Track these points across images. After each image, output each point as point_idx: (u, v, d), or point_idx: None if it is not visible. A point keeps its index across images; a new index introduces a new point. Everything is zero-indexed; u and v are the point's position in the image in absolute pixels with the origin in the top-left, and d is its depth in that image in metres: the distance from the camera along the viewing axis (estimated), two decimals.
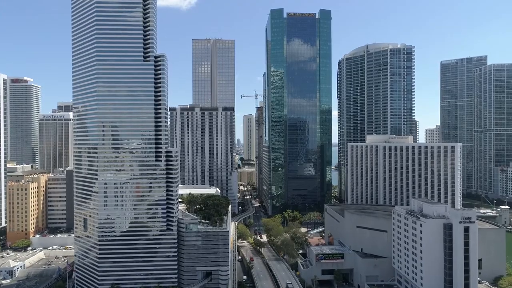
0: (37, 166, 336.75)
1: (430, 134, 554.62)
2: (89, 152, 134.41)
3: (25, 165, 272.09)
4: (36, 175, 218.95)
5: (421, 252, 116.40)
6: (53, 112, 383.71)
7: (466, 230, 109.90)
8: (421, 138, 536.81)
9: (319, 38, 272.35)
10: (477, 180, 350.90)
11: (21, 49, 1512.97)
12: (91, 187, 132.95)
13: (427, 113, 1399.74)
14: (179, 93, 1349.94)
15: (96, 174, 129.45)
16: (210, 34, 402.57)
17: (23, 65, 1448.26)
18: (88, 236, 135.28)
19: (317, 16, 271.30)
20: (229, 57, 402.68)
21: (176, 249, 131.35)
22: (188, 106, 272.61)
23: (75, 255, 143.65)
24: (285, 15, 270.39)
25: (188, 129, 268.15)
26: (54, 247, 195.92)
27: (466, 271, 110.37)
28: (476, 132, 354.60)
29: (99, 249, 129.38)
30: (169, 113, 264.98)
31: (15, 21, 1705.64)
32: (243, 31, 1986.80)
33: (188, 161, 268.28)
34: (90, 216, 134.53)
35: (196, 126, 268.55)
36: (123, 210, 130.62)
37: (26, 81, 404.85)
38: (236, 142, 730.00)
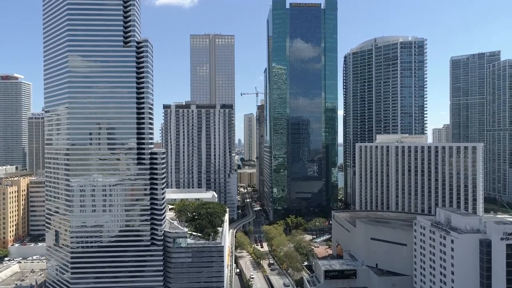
0: (25, 168, 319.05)
1: (438, 134, 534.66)
2: (60, 154, 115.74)
3: (9, 166, 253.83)
4: (16, 178, 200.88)
5: (452, 273, 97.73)
6: (43, 110, 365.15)
7: (509, 247, 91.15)
8: (428, 138, 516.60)
9: (324, 31, 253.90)
10: (489, 182, 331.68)
11: (17, 50, 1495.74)
12: (63, 193, 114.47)
13: (434, 111, 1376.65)
14: (181, 93, 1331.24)
15: (68, 179, 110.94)
16: (212, 32, 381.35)
17: (19, 65, 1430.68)
18: (59, 250, 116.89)
19: (322, 7, 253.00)
20: (229, 53, 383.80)
21: (162, 267, 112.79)
22: (184, 103, 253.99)
23: (47, 270, 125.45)
24: (287, 6, 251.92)
25: (183, 128, 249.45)
26: (35, 257, 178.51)
27: None
28: (489, 132, 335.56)
29: (72, 267, 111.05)
30: (163, 110, 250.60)
31: (13, 21, 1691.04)
32: (246, 30, 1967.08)
33: (184, 162, 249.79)
34: (60, 227, 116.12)
35: (192, 125, 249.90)
36: (99, 221, 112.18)
37: (17, 78, 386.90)
38: (237, 142, 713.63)
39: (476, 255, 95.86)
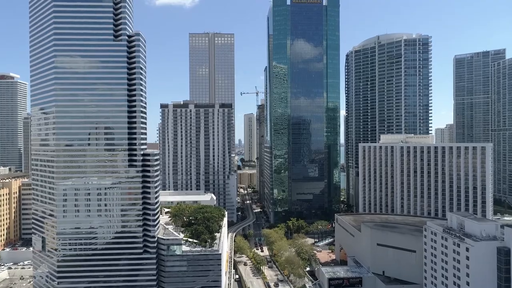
0: (20, 169, 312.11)
1: (440, 134, 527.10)
2: (46, 155, 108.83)
3: (1, 167, 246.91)
4: (7, 180, 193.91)
5: (467, 283, 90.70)
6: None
7: None
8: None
9: (327, 28, 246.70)
10: (494, 183, 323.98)
11: (14, 49, 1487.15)
12: (48, 196, 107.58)
13: (436, 111, 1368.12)
14: (181, 94, 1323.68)
15: (54, 183, 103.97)
16: (211, 31, 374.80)
17: (16, 65, 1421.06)
18: (44, 257, 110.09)
19: (324, 3, 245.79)
20: (228, 52, 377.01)
21: (155, 276, 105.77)
22: (182, 103, 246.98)
23: (34, 277, 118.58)
24: (288, 2, 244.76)
25: (181, 128, 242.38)
26: (26, 262, 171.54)
27: None
28: (494, 132, 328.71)
29: (59, 276, 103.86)
30: (160, 110, 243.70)
31: (11, 21, 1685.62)
32: (246, 29, 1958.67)
33: (182, 163, 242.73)
34: (46, 232, 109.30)
35: (191, 125, 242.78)
36: (87, 226, 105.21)
37: (12, 78, 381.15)
38: (237, 142, 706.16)
39: (493, 264, 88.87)
